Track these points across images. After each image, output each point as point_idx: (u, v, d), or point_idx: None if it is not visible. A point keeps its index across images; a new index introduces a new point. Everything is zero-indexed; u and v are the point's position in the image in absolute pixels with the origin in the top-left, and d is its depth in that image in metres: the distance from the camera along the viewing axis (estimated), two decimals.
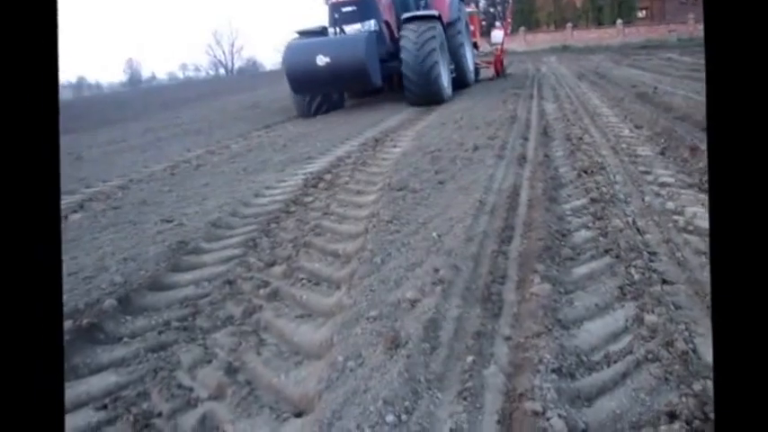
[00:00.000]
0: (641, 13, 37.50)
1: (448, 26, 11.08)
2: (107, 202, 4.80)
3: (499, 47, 15.17)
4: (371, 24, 9.79)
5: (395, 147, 6.08)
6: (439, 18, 10.13)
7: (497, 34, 15.70)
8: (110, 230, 3.87)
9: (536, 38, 34.85)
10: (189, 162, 6.35)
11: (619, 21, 32.22)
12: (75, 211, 4.60)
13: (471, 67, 12.94)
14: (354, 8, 9.86)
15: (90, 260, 3.19)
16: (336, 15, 10.00)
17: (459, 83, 11.51)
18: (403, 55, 9.38)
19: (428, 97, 9.41)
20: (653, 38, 29.51)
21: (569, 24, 34.41)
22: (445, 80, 9.94)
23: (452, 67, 11.06)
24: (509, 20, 21.22)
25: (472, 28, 14.35)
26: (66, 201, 4.83)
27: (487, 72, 14.82)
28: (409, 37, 9.43)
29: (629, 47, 27.12)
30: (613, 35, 31.48)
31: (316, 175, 4.93)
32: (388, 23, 10.27)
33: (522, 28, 35.73)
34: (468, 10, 15.74)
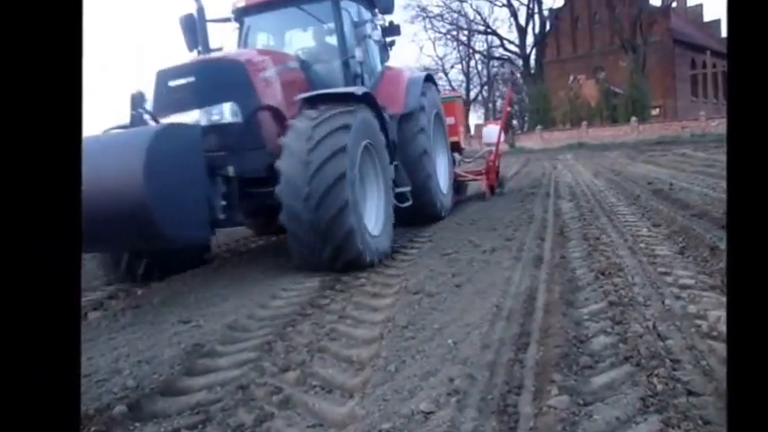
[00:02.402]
0: (655, 111, 38.52)
1: (402, 120, 7.02)
2: (126, 301, 4.85)
3: (493, 150, 10.19)
4: (225, 112, 5.11)
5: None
6: (367, 100, 5.67)
7: (491, 130, 10.86)
8: (127, 330, 3.90)
9: (552, 136, 35.79)
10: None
11: (633, 118, 33.06)
12: (95, 309, 4.66)
13: (445, 185, 8.05)
14: (192, 80, 5.09)
15: (104, 362, 3.20)
16: (162, 97, 5.16)
17: (421, 214, 7.11)
18: (280, 169, 4.87)
19: (326, 252, 4.86)
20: (667, 134, 30.12)
21: (585, 122, 35.35)
22: (368, 219, 5.40)
23: (408, 188, 6.72)
24: (507, 109, 15.53)
25: (452, 121, 9.21)
26: (87, 298, 4.90)
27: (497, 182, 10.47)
28: (294, 135, 4.97)
29: (643, 143, 27.60)
30: (628, 132, 32.22)
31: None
32: (276, 111, 5.44)
33: (539, 127, 36.85)
34: (450, 95, 11.33)
